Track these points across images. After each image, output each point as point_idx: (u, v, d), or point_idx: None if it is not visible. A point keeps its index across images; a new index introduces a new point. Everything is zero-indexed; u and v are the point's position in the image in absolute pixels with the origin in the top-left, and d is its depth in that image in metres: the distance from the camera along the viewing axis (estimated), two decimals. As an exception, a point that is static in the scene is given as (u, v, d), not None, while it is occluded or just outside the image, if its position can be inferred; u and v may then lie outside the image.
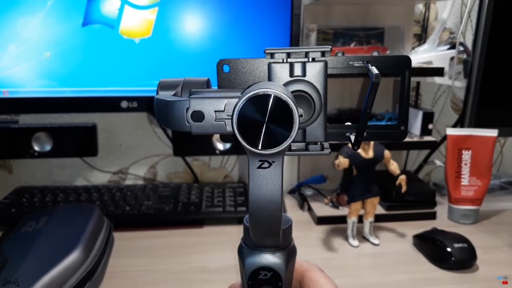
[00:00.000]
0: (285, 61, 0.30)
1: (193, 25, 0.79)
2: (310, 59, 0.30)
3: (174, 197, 0.83)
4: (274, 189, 0.28)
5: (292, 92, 0.30)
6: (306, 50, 0.30)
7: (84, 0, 0.75)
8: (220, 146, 0.86)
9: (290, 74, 0.30)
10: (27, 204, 0.79)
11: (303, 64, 0.30)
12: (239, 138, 0.26)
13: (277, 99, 0.26)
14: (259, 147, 0.26)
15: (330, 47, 0.30)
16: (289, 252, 0.31)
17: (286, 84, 0.30)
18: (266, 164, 0.28)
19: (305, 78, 0.30)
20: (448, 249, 0.65)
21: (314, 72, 0.30)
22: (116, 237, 0.70)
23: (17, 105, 0.79)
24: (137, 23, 0.78)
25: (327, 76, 0.31)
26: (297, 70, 0.30)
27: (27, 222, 0.63)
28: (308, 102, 0.30)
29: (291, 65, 0.30)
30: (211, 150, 0.88)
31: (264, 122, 0.26)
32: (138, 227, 0.76)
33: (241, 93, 0.27)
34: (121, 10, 0.77)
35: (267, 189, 0.28)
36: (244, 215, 0.31)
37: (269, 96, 0.26)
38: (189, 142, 0.89)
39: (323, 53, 0.30)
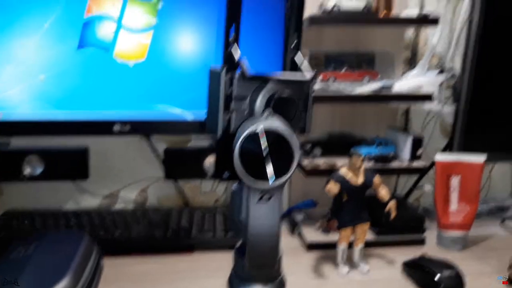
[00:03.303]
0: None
1: (187, 49, 0.80)
2: None
3: (164, 222, 0.83)
4: (274, 222, 0.28)
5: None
6: None
7: (80, 23, 0.76)
8: (211, 169, 0.87)
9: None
10: (16, 228, 0.79)
11: None
12: (241, 176, 0.27)
13: (273, 133, 0.27)
14: (263, 180, 0.27)
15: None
16: (279, 285, 0.31)
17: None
18: (266, 196, 0.28)
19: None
20: (437, 277, 0.65)
21: None
22: (105, 263, 0.70)
23: (10, 127, 0.79)
24: (131, 46, 0.79)
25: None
26: None
27: (16, 248, 0.63)
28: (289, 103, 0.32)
29: None
30: (202, 174, 0.88)
31: (265, 157, 0.27)
32: (127, 253, 0.76)
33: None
34: (116, 33, 0.78)
35: (266, 222, 0.28)
36: (234, 241, 0.31)
37: (263, 132, 0.27)
38: (181, 165, 0.89)
39: None
